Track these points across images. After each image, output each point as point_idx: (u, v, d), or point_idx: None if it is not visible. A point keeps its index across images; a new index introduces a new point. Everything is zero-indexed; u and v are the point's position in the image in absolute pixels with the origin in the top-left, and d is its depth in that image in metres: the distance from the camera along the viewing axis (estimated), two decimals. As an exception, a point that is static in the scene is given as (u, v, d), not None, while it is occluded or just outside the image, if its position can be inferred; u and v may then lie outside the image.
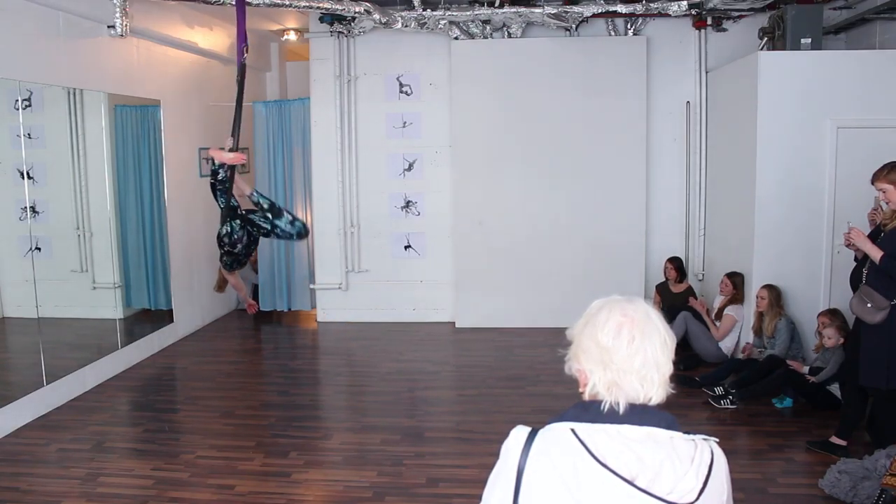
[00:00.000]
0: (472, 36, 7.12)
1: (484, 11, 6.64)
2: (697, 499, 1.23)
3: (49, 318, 5.19)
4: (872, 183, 3.84)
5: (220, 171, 4.26)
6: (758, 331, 5.49)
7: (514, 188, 7.18)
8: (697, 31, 7.09)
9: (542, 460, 1.26)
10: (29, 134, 5.20)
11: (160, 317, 6.75)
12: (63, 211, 5.73)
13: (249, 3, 5.55)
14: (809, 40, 5.76)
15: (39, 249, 5.25)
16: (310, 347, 7.05)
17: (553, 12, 6.51)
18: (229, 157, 4.23)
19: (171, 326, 6.81)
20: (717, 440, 1.31)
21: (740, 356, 5.56)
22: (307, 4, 6.08)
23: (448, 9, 6.67)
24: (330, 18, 7.11)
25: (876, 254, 3.78)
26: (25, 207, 5.14)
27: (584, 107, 7.05)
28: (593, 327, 1.31)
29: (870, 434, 4.24)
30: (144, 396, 5.50)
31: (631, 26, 7.09)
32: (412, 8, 6.61)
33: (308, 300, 8.03)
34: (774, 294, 5.37)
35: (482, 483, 1.36)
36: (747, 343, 5.60)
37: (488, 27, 7.08)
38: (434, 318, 7.53)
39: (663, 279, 6.79)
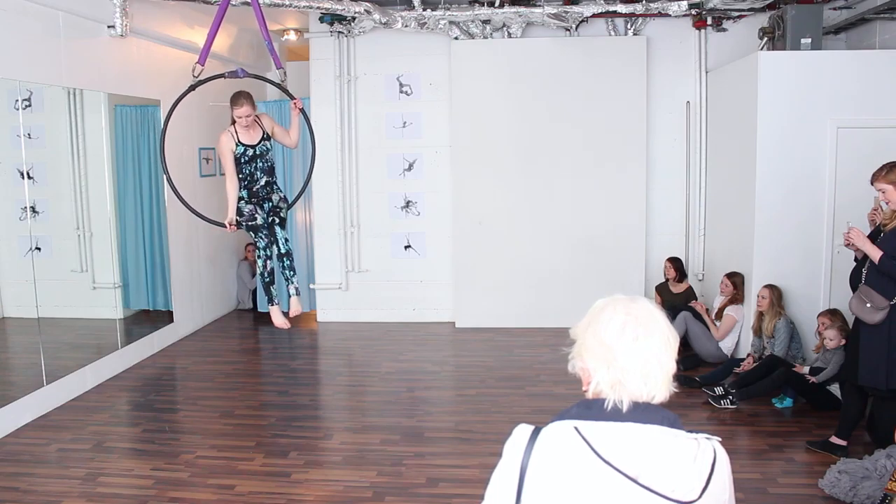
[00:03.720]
0: (472, 36, 7.13)
1: (484, 11, 6.65)
2: (700, 497, 1.23)
3: (49, 318, 5.19)
4: (872, 183, 3.84)
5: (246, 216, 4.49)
6: (757, 331, 5.48)
7: (514, 188, 7.18)
8: (697, 31, 7.09)
9: (546, 458, 1.26)
10: (29, 134, 5.20)
11: (160, 317, 6.75)
12: (63, 211, 5.72)
13: (248, 3, 5.54)
14: (809, 40, 5.76)
15: (39, 249, 5.25)
16: (310, 347, 7.04)
17: (553, 12, 6.52)
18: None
19: (171, 326, 6.81)
20: (720, 439, 1.31)
21: (737, 370, 5.44)
22: (307, 4, 6.08)
23: (448, 9, 6.67)
24: (330, 18, 7.12)
25: (875, 254, 3.78)
26: (25, 207, 5.14)
27: (584, 107, 7.05)
28: (597, 325, 1.31)
29: (870, 434, 4.25)
30: (144, 396, 5.50)
31: (631, 26, 7.09)
32: (412, 8, 6.61)
33: (308, 300, 8.02)
34: (776, 294, 5.37)
35: (482, 483, 1.36)
36: (748, 357, 5.53)
37: (488, 27, 7.08)
38: (434, 318, 7.53)
39: (663, 279, 6.80)
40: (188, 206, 4.47)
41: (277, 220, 4.65)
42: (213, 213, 4.91)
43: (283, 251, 4.68)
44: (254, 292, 8.28)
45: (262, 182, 4.54)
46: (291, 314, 4.77)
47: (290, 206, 4.74)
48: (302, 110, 4.57)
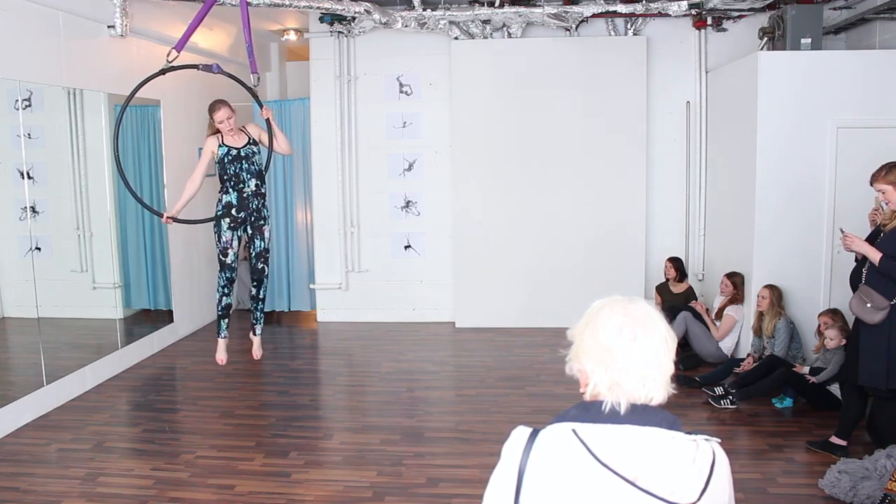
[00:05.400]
0: (472, 36, 7.12)
1: (484, 11, 6.64)
2: (699, 499, 1.23)
3: (49, 318, 5.19)
4: (871, 184, 3.84)
5: (230, 251, 4.60)
6: (757, 331, 5.48)
7: (513, 188, 7.18)
8: (697, 31, 7.09)
9: (544, 461, 1.26)
10: (29, 134, 5.20)
11: (160, 317, 6.75)
12: (63, 211, 5.72)
13: (250, 3, 5.54)
14: (809, 40, 5.76)
15: (39, 249, 5.25)
16: (310, 347, 7.04)
17: (553, 12, 6.51)
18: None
19: (171, 326, 6.81)
20: (720, 440, 1.31)
21: (737, 370, 5.44)
22: (307, 4, 6.08)
23: (448, 9, 6.67)
24: (330, 18, 7.12)
25: (875, 256, 3.78)
26: (25, 207, 5.14)
27: (584, 107, 7.05)
28: (594, 327, 1.30)
29: (870, 434, 4.25)
30: (144, 396, 5.50)
31: (631, 26, 7.09)
32: (412, 8, 6.61)
33: (308, 300, 8.03)
34: (776, 294, 5.37)
35: (482, 483, 1.36)
36: (748, 357, 5.53)
37: (488, 27, 7.08)
38: (434, 318, 7.53)
39: (663, 279, 6.80)
40: (129, 188, 4.52)
41: (266, 271, 4.77)
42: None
43: (260, 296, 4.86)
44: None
45: (252, 186, 4.54)
46: (255, 357, 5.09)
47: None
48: (268, 120, 4.59)
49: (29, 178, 5.11)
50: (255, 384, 5.90)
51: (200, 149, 7.16)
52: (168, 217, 4.49)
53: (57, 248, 5.70)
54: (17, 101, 4.98)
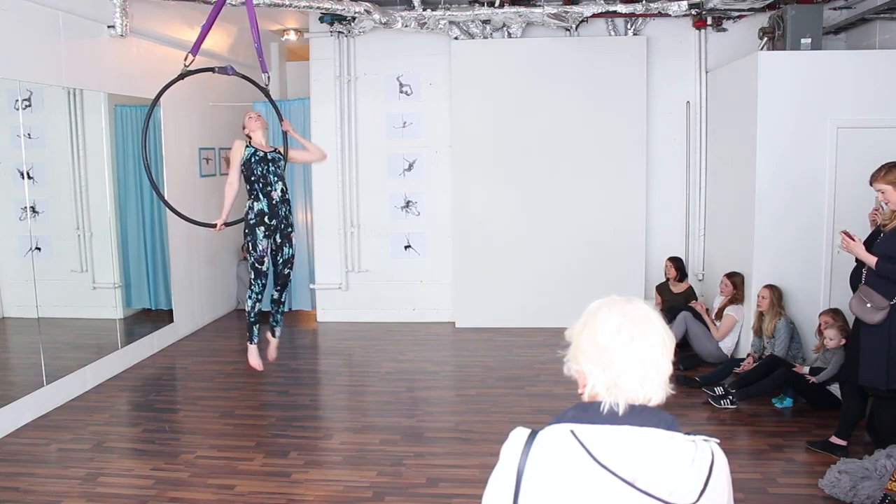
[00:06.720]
0: (472, 36, 7.12)
1: (484, 11, 6.65)
2: (698, 500, 1.22)
3: (49, 318, 5.19)
4: (871, 184, 3.84)
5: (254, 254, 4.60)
6: (758, 331, 5.48)
7: (514, 188, 7.18)
8: (697, 31, 7.09)
9: (542, 462, 1.26)
10: (29, 134, 5.20)
11: (160, 317, 6.75)
12: (63, 211, 5.72)
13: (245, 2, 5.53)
14: (809, 40, 5.76)
15: (39, 249, 5.25)
16: (310, 347, 7.04)
17: (553, 12, 6.51)
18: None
19: (171, 326, 6.81)
20: (718, 441, 1.31)
21: (737, 370, 5.43)
22: (307, 4, 6.08)
23: (448, 9, 6.67)
24: (330, 18, 7.12)
25: (871, 260, 3.78)
26: (25, 207, 5.14)
27: (584, 107, 7.05)
28: (592, 328, 1.30)
29: (870, 434, 4.25)
30: (144, 396, 5.50)
31: (631, 26, 7.09)
32: (412, 8, 6.61)
33: (308, 300, 8.03)
34: (776, 294, 5.36)
35: (482, 483, 1.36)
36: (748, 357, 5.53)
37: (488, 27, 7.08)
38: (434, 318, 7.54)
39: (663, 279, 6.80)
40: (169, 206, 4.56)
41: (291, 276, 4.82)
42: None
43: (282, 299, 4.92)
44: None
45: (279, 191, 4.55)
46: (270, 358, 4.98)
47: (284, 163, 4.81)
48: (285, 133, 4.69)
49: (29, 178, 5.11)
50: (255, 384, 5.89)
51: (201, 149, 7.22)
52: (221, 224, 4.62)
53: (57, 248, 5.70)
54: (17, 101, 4.98)
